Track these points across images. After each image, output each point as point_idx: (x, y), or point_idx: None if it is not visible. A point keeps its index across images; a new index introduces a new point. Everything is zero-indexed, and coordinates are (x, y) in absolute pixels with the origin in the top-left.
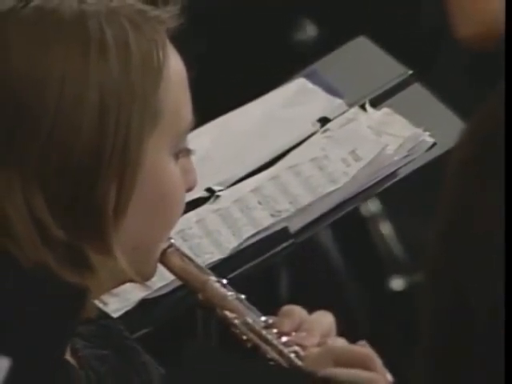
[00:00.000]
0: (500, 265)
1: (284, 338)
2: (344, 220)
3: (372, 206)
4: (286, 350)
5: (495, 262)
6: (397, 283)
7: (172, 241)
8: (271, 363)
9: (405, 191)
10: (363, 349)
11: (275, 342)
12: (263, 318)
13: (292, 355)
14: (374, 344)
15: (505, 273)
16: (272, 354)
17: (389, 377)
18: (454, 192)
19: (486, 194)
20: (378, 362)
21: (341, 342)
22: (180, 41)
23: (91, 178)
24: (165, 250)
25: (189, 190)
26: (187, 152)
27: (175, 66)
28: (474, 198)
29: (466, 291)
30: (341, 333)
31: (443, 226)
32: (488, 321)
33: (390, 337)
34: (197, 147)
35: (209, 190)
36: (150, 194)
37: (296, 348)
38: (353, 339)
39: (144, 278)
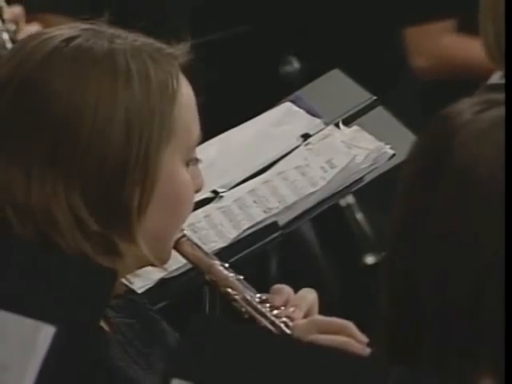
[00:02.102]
0: (446, 256)
1: (275, 311)
2: (327, 211)
3: (349, 199)
4: (277, 321)
5: (441, 254)
6: (369, 259)
7: (184, 232)
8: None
9: (372, 190)
10: (341, 320)
11: (268, 314)
12: (258, 295)
13: (282, 325)
14: (349, 308)
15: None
16: (265, 324)
17: (364, 338)
18: (406, 193)
19: (434, 195)
20: (353, 328)
21: (319, 316)
22: (193, 73)
23: (119, 182)
24: (178, 239)
25: (197, 191)
26: (196, 161)
27: (186, 92)
28: (421, 199)
29: (415, 276)
30: (320, 306)
31: (397, 223)
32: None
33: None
34: (204, 157)
35: (214, 191)
36: (166, 195)
37: (285, 319)
38: (332, 308)
39: (161, 261)
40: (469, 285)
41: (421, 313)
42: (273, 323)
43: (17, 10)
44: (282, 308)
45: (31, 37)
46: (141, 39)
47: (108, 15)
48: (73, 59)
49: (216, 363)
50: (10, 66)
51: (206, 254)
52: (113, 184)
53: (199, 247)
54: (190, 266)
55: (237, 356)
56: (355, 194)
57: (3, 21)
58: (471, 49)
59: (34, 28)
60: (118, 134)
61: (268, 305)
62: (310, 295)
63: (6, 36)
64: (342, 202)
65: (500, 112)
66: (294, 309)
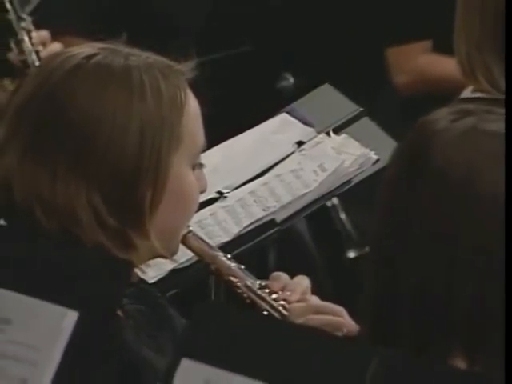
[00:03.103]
0: (424, 249)
1: (274, 296)
2: (315, 211)
3: (334, 201)
4: (275, 304)
5: (420, 247)
6: (351, 253)
7: (190, 228)
8: (265, 313)
9: (357, 191)
10: (334, 304)
11: (268, 298)
12: (258, 281)
13: (280, 308)
14: (335, 294)
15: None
16: (265, 307)
17: (353, 323)
18: (388, 193)
19: (413, 194)
20: (344, 311)
21: (315, 299)
22: (199, 88)
23: (134, 184)
24: (185, 234)
25: (202, 192)
26: (200, 165)
27: (192, 105)
28: (401, 198)
29: (396, 267)
30: (313, 291)
31: (380, 220)
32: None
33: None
34: (210, 161)
35: (219, 192)
36: (174, 195)
37: (283, 302)
38: (320, 295)
39: (170, 253)
40: (444, 274)
41: (400, 300)
42: (272, 306)
43: (44, 33)
44: (280, 292)
45: (55, 55)
46: (153, 57)
47: (125, 36)
48: (93, 74)
49: (221, 344)
50: (37, 80)
51: (210, 246)
52: (128, 185)
53: (204, 241)
54: (197, 258)
55: (239, 337)
56: (339, 196)
57: (32, 43)
58: (445, 66)
59: (57, 46)
60: (133, 141)
61: (267, 290)
62: (303, 281)
63: (34, 56)
64: (329, 203)
65: (472, 121)
66: (290, 293)
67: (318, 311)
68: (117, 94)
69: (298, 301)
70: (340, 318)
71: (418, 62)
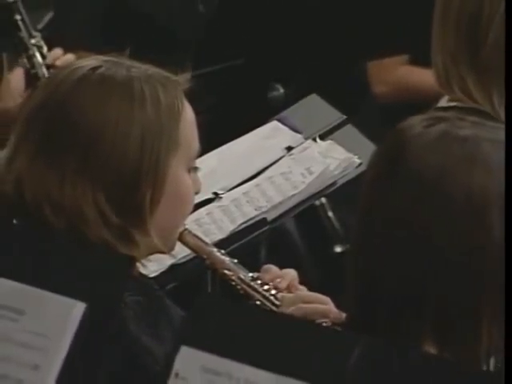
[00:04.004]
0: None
1: (265, 286)
2: (306, 210)
3: (322, 200)
4: (267, 294)
5: (397, 240)
6: (337, 248)
7: (186, 226)
8: (257, 303)
9: (344, 192)
10: (320, 294)
11: (259, 289)
12: (250, 274)
13: (271, 297)
14: (322, 286)
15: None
16: (257, 297)
17: (338, 311)
18: (368, 192)
19: (390, 193)
20: (329, 301)
21: (302, 288)
22: (196, 98)
23: (135, 185)
24: (182, 232)
25: (196, 193)
26: (195, 169)
27: (188, 113)
28: (380, 197)
29: (374, 258)
30: (301, 283)
31: (361, 217)
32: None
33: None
34: (207, 165)
35: (215, 193)
36: (172, 195)
37: (274, 292)
38: (308, 286)
39: (168, 249)
40: (418, 267)
41: (378, 291)
42: (263, 296)
43: (57, 51)
44: (271, 283)
45: (64, 67)
46: (152, 69)
47: (129, 50)
48: (97, 85)
49: (217, 333)
50: (47, 90)
51: (205, 242)
52: (130, 186)
53: (199, 238)
54: (194, 254)
55: (234, 327)
56: (327, 196)
57: (43, 57)
58: (422, 77)
59: (70, 57)
60: (134, 146)
61: (259, 281)
62: (291, 272)
63: (44, 69)
64: (317, 202)
65: (444, 127)
66: (280, 280)
67: (306, 300)
68: (119, 102)
69: (287, 289)
70: (327, 307)
71: (397, 73)
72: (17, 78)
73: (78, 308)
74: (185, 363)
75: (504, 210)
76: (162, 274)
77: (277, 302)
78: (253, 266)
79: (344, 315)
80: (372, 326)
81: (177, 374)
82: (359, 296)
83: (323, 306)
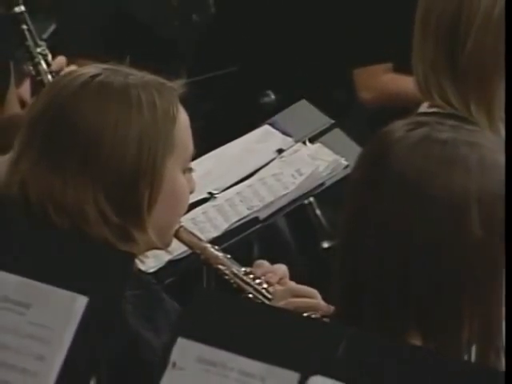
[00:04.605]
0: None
1: (257, 280)
2: (295, 208)
3: (311, 199)
4: (259, 288)
5: (380, 237)
6: (325, 244)
7: (182, 223)
8: (250, 296)
9: (331, 192)
10: (309, 288)
11: (252, 283)
12: (243, 268)
13: (263, 291)
14: (311, 279)
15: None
16: (250, 291)
17: (327, 305)
18: (353, 192)
19: (374, 193)
20: (317, 294)
21: (293, 283)
22: (193, 104)
23: (133, 185)
24: (177, 229)
25: (191, 192)
26: (190, 170)
27: (183, 117)
28: (364, 196)
29: (359, 255)
30: (290, 277)
31: (347, 215)
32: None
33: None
34: (202, 167)
35: (210, 193)
36: (168, 195)
37: (266, 286)
38: (297, 280)
39: (165, 245)
40: (400, 263)
41: (363, 285)
42: (256, 290)
43: (61, 59)
44: (263, 278)
45: (65, 74)
46: (148, 76)
47: (127, 59)
48: (97, 91)
49: (213, 326)
50: (49, 95)
51: (200, 239)
52: (128, 186)
53: (194, 234)
54: (190, 251)
55: (228, 319)
56: (315, 195)
57: (48, 65)
58: (404, 84)
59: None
60: (132, 149)
61: (251, 276)
62: (282, 267)
63: (49, 77)
64: (306, 201)
65: (425, 131)
66: (271, 274)
67: (296, 294)
68: (117, 108)
69: (278, 283)
70: (316, 301)
71: (381, 80)
72: (24, 86)
73: (81, 301)
74: (181, 354)
75: (484, 208)
76: (160, 269)
77: (268, 296)
78: (246, 261)
79: (332, 308)
80: (358, 318)
81: (174, 364)
82: (345, 289)
83: (313, 300)
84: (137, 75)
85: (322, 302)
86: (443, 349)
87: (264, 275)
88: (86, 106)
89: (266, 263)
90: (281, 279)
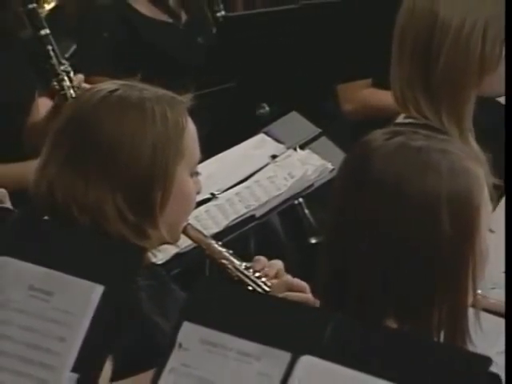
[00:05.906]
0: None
1: (257, 274)
2: (286, 208)
3: (300, 200)
4: (258, 281)
5: (362, 235)
6: (312, 240)
7: (189, 221)
8: (250, 288)
9: (318, 193)
10: (302, 281)
11: (252, 276)
12: (244, 263)
13: (262, 284)
14: (301, 272)
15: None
16: (250, 283)
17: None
18: (338, 195)
19: (356, 196)
20: (307, 287)
21: (288, 277)
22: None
23: (148, 188)
24: (185, 226)
25: (197, 193)
26: (197, 174)
27: (191, 127)
28: (347, 199)
29: (344, 249)
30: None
31: (332, 215)
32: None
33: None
34: (206, 170)
35: (212, 193)
36: (178, 196)
37: (264, 279)
38: (289, 272)
39: (174, 241)
40: (380, 256)
41: (345, 276)
42: (255, 282)
43: (80, 76)
44: (262, 271)
45: (87, 90)
46: (161, 90)
47: (140, 75)
48: (115, 105)
49: (215, 311)
50: (73, 108)
51: (205, 236)
52: (143, 189)
53: (200, 231)
54: (195, 244)
55: (229, 306)
56: (304, 196)
57: (71, 81)
58: (383, 98)
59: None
60: (147, 156)
61: (251, 270)
62: (278, 262)
63: (71, 91)
64: (296, 202)
65: (401, 139)
66: (269, 269)
67: (290, 285)
68: (134, 119)
69: (275, 276)
70: (307, 295)
71: (361, 94)
72: (43, 101)
73: (98, 290)
74: (186, 336)
75: (452, 209)
76: (168, 261)
77: (266, 288)
78: (244, 256)
79: (318, 302)
80: (341, 305)
81: (180, 345)
82: (330, 280)
83: (305, 295)
84: (151, 90)
85: (311, 297)
86: (416, 332)
87: (262, 269)
88: (106, 117)
89: (263, 258)
90: (277, 273)
